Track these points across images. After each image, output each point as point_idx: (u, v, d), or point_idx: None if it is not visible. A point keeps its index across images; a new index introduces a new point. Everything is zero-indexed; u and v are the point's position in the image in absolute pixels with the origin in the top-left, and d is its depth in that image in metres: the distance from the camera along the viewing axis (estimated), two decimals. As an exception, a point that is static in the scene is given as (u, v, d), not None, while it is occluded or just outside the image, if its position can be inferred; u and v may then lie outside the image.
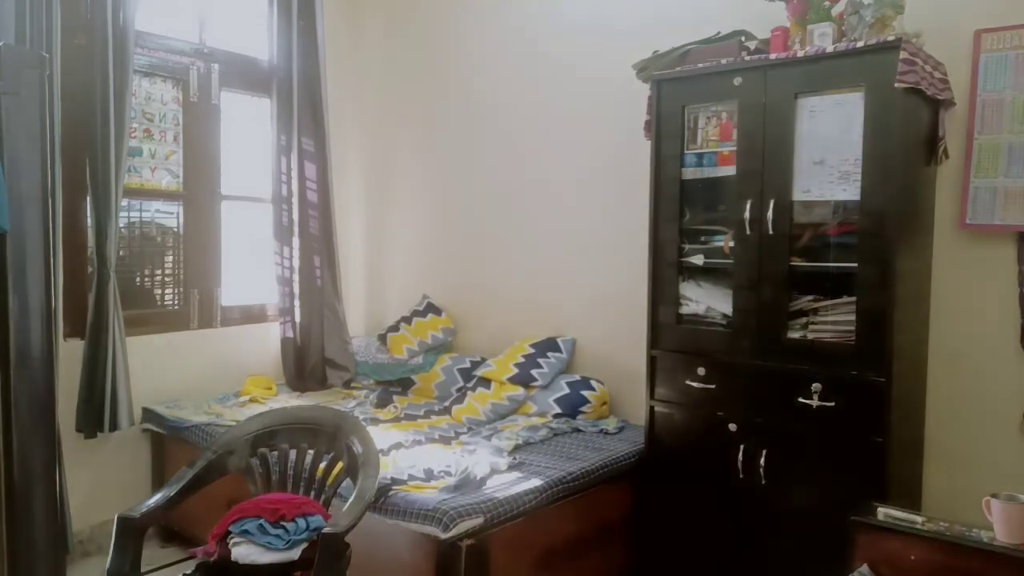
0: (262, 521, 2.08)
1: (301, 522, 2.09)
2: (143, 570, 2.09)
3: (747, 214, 2.51)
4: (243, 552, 2.04)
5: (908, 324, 2.42)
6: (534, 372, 3.44)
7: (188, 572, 2.11)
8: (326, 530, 1.98)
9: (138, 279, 3.57)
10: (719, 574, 2.63)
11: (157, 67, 3.51)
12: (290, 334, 3.87)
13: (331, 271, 3.93)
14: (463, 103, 3.96)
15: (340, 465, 2.35)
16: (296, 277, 3.86)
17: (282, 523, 2.08)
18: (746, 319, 2.55)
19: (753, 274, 2.53)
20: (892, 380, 2.28)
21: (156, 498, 2.18)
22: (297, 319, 3.86)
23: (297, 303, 3.86)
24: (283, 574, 2.05)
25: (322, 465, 2.39)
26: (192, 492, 2.29)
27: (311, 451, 2.40)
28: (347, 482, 2.33)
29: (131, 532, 2.04)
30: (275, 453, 2.39)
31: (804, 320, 2.48)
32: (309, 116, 3.87)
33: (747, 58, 2.54)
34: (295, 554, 2.04)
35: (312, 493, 2.34)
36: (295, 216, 3.84)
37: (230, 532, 2.10)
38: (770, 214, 2.46)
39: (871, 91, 2.28)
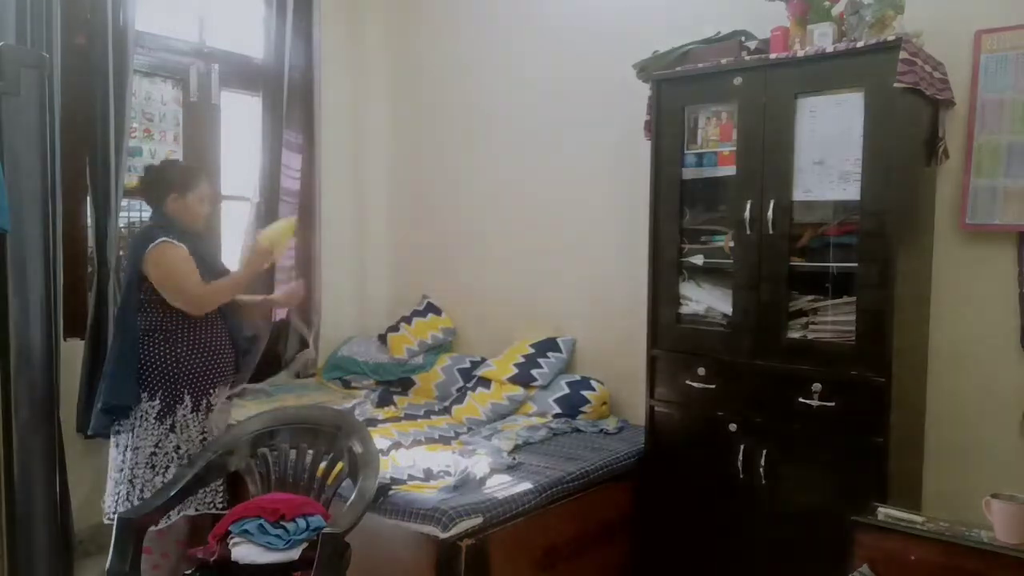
0: (262, 521, 2.08)
1: (301, 522, 2.09)
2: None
3: (747, 214, 2.51)
4: (243, 552, 2.04)
5: (908, 324, 2.42)
6: (534, 372, 3.44)
7: (188, 572, 2.11)
8: (326, 530, 1.98)
9: (138, 279, 3.56)
10: (719, 574, 2.63)
11: (157, 67, 3.50)
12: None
13: (306, 260, 3.90)
14: (463, 103, 3.96)
15: (340, 465, 2.35)
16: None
17: (282, 523, 2.08)
18: (746, 319, 2.55)
19: (753, 274, 2.53)
20: (892, 380, 2.28)
21: (156, 498, 2.18)
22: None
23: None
24: (283, 574, 2.05)
25: (322, 465, 2.39)
26: (192, 492, 2.29)
27: (311, 451, 2.40)
28: (347, 482, 2.33)
29: (131, 532, 2.04)
30: (275, 453, 2.39)
31: (804, 320, 2.49)
32: (300, 111, 3.85)
33: (747, 58, 2.54)
34: (295, 554, 2.04)
35: (312, 493, 2.34)
36: (269, 202, 3.77)
37: (230, 532, 2.10)
38: (770, 214, 2.46)
39: (871, 91, 2.28)
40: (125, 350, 2.52)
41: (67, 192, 3.01)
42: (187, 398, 2.54)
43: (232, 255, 3.83)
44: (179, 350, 2.54)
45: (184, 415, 2.54)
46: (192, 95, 3.62)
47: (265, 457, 2.38)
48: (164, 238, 2.52)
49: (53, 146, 2.76)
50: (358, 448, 2.31)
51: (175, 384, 2.52)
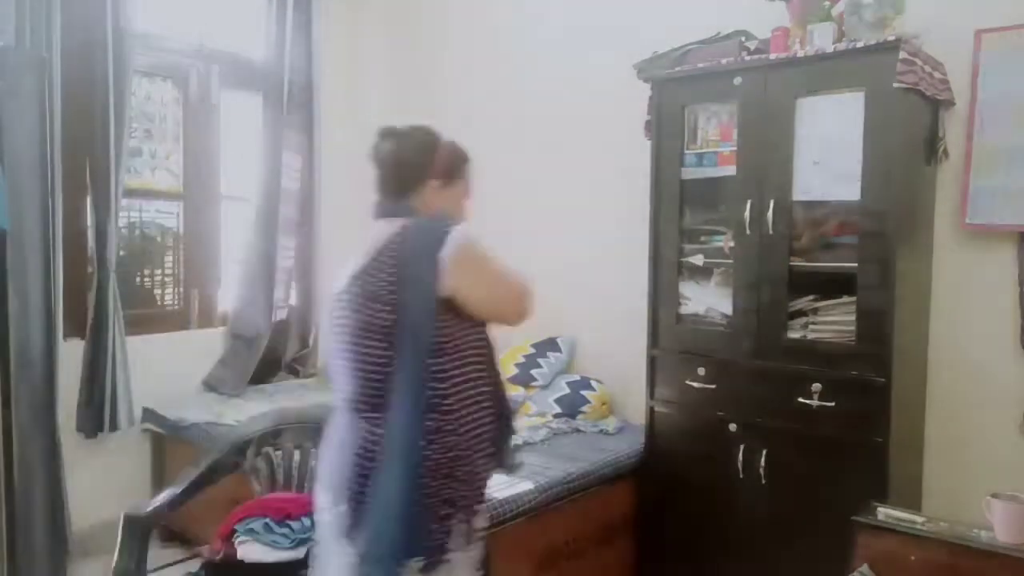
0: (267, 520, 2.08)
1: (307, 521, 2.09)
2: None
3: (747, 214, 2.51)
4: (249, 551, 2.03)
5: (908, 324, 2.42)
6: (534, 372, 3.44)
7: (193, 571, 2.11)
8: None
9: (138, 279, 3.57)
10: (719, 574, 2.63)
11: (157, 67, 3.51)
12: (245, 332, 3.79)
13: (306, 260, 3.96)
14: (462, 102, 3.96)
15: None
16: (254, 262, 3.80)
17: (287, 522, 2.08)
18: (746, 319, 2.55)
19: (753, 274, 2.52)
20: (892, 380, 2.28)
21: (162, 497, 2.18)
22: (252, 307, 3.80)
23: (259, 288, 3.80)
24: (289, 573, 2.05)
25: None
26: (197, 491, 2.28)
27: (315, 451, 2.40)
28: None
29: (137, 532, 2.03)
30: (279, 453, 2.38)
31: (804, 320, 2.48)
32: (300, 111, 3.86)
33: (747, 58, 2.54)
34: (300, 553, 2.04)
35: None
36: (270, 202, 3.80)
37: (235, 531, 2.10)
38: (770, 214, 2.46)
39: (871, 91, 2.28)
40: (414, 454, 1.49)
41: (67, 192, 3.01)
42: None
43: (233, 255, 3.84)
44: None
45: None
46: (192, 95, 3.62)
47: (270, 457, 2.37)
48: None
49: (53, 146, 2.77)
50: None
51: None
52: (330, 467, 1.59)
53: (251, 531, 2.07)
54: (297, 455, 2.39)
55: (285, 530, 2.07)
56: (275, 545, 2.04)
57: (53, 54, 2.84)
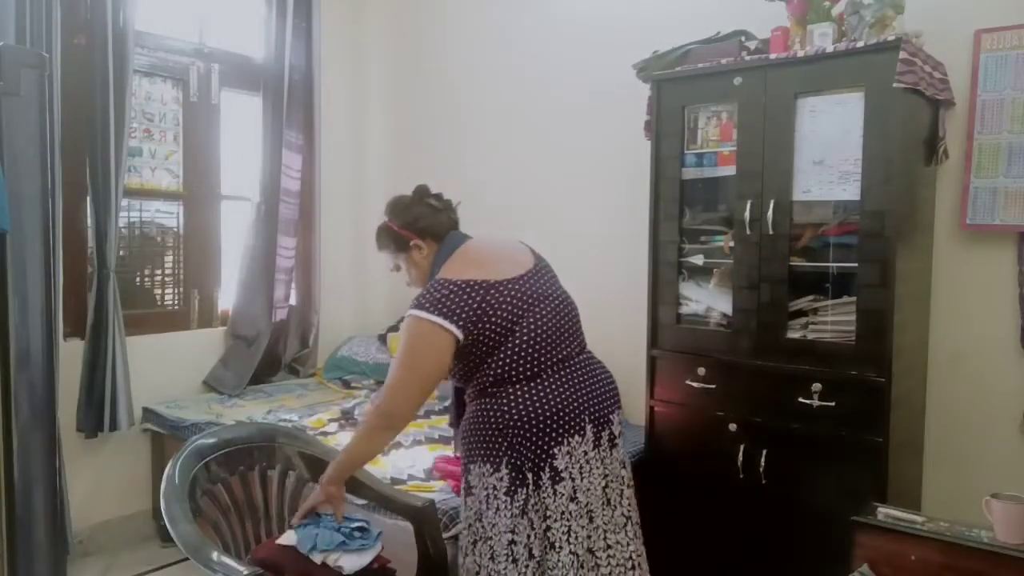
0: (340, 528, 2.03)
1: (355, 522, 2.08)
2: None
3: (747, 214, 2.51)
4: (349, 562, 1.97)
5: (908, 324, 2.42)
6: (534, 372, 3.43)
7: None
8: (430, 499, 2.20)
9: (138, 279, 3.57)
10: (719, 574, 2.63)
11: (157, 67, 3.51)
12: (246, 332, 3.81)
13: (306, 260, 3.98)
14: (462, 103, 3.96)
15: (293, 474, 2.26)
16: (252, 259, 3.81)
17: (348, 525, 2.04)
18: (746, 319, 2.55)
19: (753, 274, 2.53)
20: (892, 380, 2.28)
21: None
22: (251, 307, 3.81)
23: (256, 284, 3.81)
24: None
25: (288, 481, 2.27)
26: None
27: (251, 472, 2.26)
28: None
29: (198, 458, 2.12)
30: (217, 485, 2.21)
31: (804, 320, 2.48)
32: (300, 111, 3.87)
33: (747, 58, 2.54)
34: (378, 546, 2.06)
35: (286, 510, 2.22)
36: (269, 202, 3.81)
37: (316, 551, 1.99)
38: (770, 214, 2.46)
39: (871, 91, 2.28)
40: None
41: (67, 192, 3.01)
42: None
43: (233, 255, 3.84)
44: None
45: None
46: (192, 95, 3.63)
47: (213, 495, 2.18)
48: None
49: (53, 146, 2.77)
50: (311, 450, 2.27)
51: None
52: (609, 388, 2.24)
53: (343, 544, 1.99)
54: (238, 484, 2.24)
55: (355, 531, 2.05)
56: (364, 548, 2.01)
57: (53, 54, 2.84)
